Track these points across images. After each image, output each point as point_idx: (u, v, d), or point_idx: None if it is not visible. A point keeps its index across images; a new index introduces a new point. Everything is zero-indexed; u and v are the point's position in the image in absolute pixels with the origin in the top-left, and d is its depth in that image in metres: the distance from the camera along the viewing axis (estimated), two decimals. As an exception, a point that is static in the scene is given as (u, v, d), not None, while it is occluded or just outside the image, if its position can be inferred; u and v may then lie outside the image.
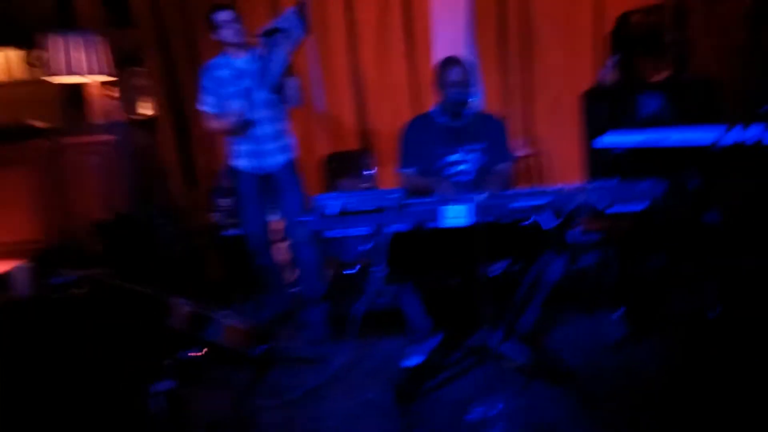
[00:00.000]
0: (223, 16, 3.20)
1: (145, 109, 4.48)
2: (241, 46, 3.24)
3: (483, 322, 2.39)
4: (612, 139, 2.78)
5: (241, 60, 3.26)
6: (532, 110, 4.45)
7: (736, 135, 2.29)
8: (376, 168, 4.15)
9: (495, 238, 2.17)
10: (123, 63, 4.35)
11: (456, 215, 2.18)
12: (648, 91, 3.95)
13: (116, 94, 4.35)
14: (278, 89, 3.23)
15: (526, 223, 2.18)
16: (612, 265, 3.36)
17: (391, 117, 4.42)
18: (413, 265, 2.49)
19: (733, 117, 3.71)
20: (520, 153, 4.26)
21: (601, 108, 4.25)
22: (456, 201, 2.23)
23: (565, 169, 4.47)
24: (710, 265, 2.76)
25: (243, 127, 3.19)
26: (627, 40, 4.14)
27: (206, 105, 3.32)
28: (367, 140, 4.51)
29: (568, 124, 4.41)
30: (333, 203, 2.20)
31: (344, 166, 4.30)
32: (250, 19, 4.05)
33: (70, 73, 3.92)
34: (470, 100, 2.70)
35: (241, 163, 3.32)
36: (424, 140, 2.82)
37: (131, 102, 4.46)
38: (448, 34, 4.42)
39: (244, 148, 3.30)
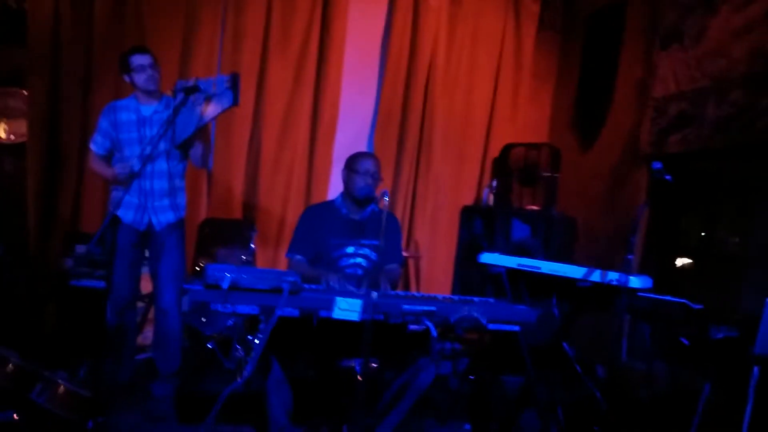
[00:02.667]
0: (140, 59, 3.03)
1: (17, 134, 4.11)
2: (152, 93, 3.09)
3: (347, 419, 2.35)
4: (490, 258, 2.97)
5: (148, 107, 3.09)
6: (415, 215, 4.65)
7: (598, 276, 2.55)
8: (254, 244, 4.05)
9: (381, 337, 2.19)
10: (5, 82, 4.01)
11: (348, 308, 2.19)
12: (520, 218, 4.33)
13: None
14: (185, 146, 3.08)
15: (415, 327, 2.24)
16: (471, 377, 3.49)
17: (281, 195, 4.42)
18: (293, 353, 2.43)
19: (587, 254, 4.20)
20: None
21: (479, 225, 4.58)
22: (350, 294, 2.24)
23: (435, 275, 4.67)
24: (559, 392, 2.95)
25: (128, 179, 2.97)
26: (507, 168, 4.55)
27: (96, 145, 3.12)
28: (250, 213, 4.44)
29: (446, 234, 4.68)
30: (225, 276, 2.11)
31: (220, 234, 4.17)
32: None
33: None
34: (374, 196, 2.77)
35: (124, 214, 3.07)
36: (322, 228, 2.84)
37: (7, 123, 4.08)
38: (353, 127, 4.60)
39: (130, 199, 3.06)
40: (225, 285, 2.09)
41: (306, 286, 2.31)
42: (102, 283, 3.35)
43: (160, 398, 3.13)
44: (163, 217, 3.11)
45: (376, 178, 2.83)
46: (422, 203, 4.65)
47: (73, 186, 4.06)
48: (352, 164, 2.89)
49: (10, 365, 2.59)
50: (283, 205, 4.40)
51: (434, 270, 4.68)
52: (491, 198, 4.59)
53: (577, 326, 3.28)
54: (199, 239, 4.20)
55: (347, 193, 2.89)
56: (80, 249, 3.84)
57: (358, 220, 2.88)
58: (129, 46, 3.40)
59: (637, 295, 2.59)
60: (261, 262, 4.30)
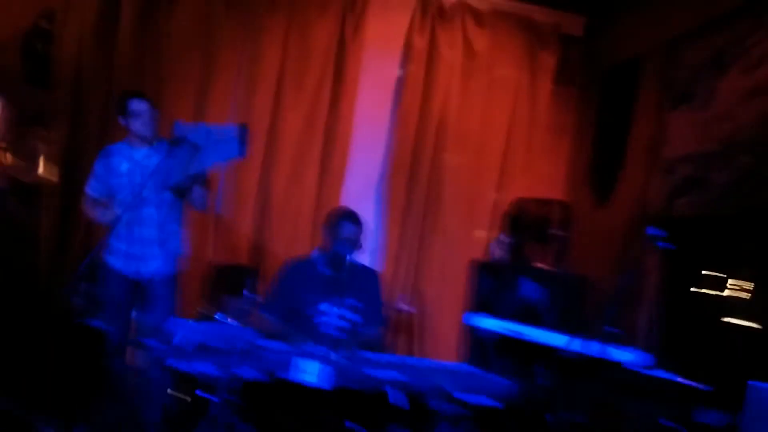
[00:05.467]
0: (136, 105, 3.05)
1: (40, 172, 4.26)
2: (146, 139, 3.10)
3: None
4: (481, 321, 2.88)
5: (141, 152, 3.10)
6: (423, 268, 4.58)
7: (583, 345, 2.43)
8: (254, 291, 4.04)
9: (344, 403, 2.12)
10: (29, 122, 4.19)
11: (310, 371, 2.14)
12: (529, 277, 4.19)
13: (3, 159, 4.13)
14: (180, 192, 3.05)
15: (378, 392, 2.16)
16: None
17: (288, 242, 4.41)
18: (259, 415, 2.38)
19: (596, 320, 4.03)
20: (401, 308, 4.32)
21: (487, 281, 4.45)
22: (313, 356, 2.19)
23: (445, 332, 4.53)
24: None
25: (110, 224, 2.96)
26: (518, 223, 4.44)
27: (91, 188, 3.17)
28: (258, 258, 4.44)
29: (453, 289, 4.56)
30: (185, 333, 2.10)
31: (225, 280, 4.18)
32: (173, 111, 4.07)
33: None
34: (353, 254, 2.73)
35: (115, 261, 3.09)
36: (298, 284, 2.81)
37: (27, 163, 4.23)
38: (362, 175, 4.60)
39: (120, 246, 3.07)
40: (179, 342, 2.07)
41: (268, 344, 2.27)
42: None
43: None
44: (151, 265, 3.10)
45: (355, 242, 2.78)
46: (430, 255, 4.57)
47: (86, 225, 4.15)
48: (333, 225, 2.85)
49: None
50: (288, 251, 4.38)
51: (441, 327, 4.55)
52: (500, 253, 4.48)
53: (571, 392, 3.12)
54: (203, 285, 4.22)
55: (324, 248, 2.86)
56: (84, 287, 3.91)
57: (335, 276, 2.84)
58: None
59: (623, 368, 2.46)
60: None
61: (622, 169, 4.10)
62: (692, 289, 3.29)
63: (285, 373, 2.15)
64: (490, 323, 2.82)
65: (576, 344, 2.45)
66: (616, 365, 2.38)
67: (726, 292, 3.40)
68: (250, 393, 2.18)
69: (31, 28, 4.20)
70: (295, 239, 4.41)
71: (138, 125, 3.06)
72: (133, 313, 3.32)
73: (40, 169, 4.19)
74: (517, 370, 2.62)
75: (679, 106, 3.51)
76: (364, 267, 2.90)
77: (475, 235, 4.64)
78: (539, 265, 4.30)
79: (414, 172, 4.57)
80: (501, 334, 2.77)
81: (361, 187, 4.56)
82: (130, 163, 3.11)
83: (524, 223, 4.43)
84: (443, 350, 4.43)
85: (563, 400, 2.67)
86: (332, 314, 2.80)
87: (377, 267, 4.46)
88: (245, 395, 2.17)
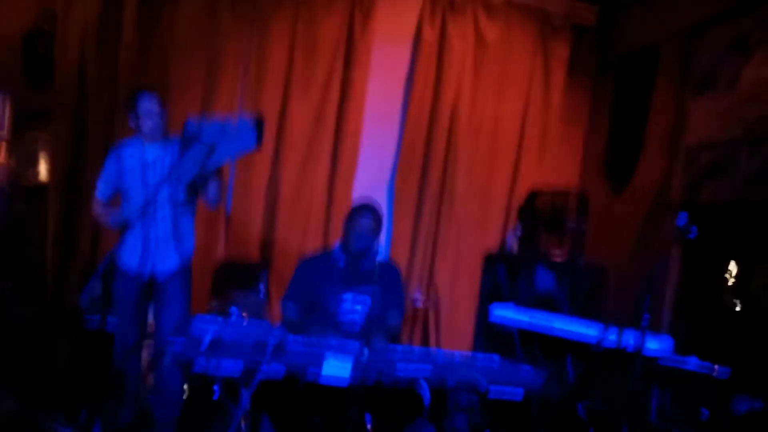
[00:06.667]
0: (147, 105, 2.94)
1: (40, 174, 4.17)
2: (157, 137, 3.02)
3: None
4: (502, 313, 2.81)
5: (153, 152, 3.01)
6: (436, 260, 4.51)
7: (614, 337, 2.37)
8: (266, 286, 3.98)
9: (372, 400, 2.06)
10: (29, 123, 4.10)
11: (336, 368, 2.07)
12: (545, 268, 4.13)
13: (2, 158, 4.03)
14: (193, 189, 2.97)
15: (407, 386, 2.10)
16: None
17: (299, 237, 4.35)
18: (281, 415, 2.31)
19: (615, 310, 3.98)
20: (416, 301, 4.26)
21: (501, 273, 4.40)
22: (339, 352, 2.12)
23: (460, 324, 4.49)
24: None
25: (122, 227, 2.90)
26: (533, 214, 4.38)
27: (99, 192, 3.08)
28: (267, 254, 4.38)
29: (469, 280, 4.51)
30: (208, 330, 2.03)
31: (235, 276, 4.12)
32: (180, 108, 3.99)
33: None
34: (372, 247, 2.68)
35: (129, 261, 3.00)
36: (319, 278, 2.75)
37: (27, 165, 4.15)
38: (373, 169, 4.53)
39: (136, 246, 2.98)
40: (207, 340, 2.00)
41: (295, 338, 2.20)
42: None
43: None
44: (167, 263, 3.03)
45: (373, 235, 2.74)
46: (444, 247, 4.51)
47: (93, 224, 4.08)
48: (350, 218, 2.81)
49: (7, 411, 2.56)
50: (300, 247, 4.32)
51: (455, 319, 4.50)
52: (515, 244, 4.42)
53: (602, 382, 3.05)
54: (214, 281, 4.16)
55: (343, 242, 2.80)
56: (96, 286, 3.84)
57: (355, 270, 2.78)
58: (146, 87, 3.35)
59: (653, 358, 2.40)
60: (276, 304, 4.22)
61: (640, 157, 4.03)
62: (723, 276, 3.21)
63: (313, 369, 2.08)
64: (514, 315, 2.75)
65: (607, 334, 2.38)
66: (649, 358, 2.31)
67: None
68: (276, 390, 2.11)
69: (32, 29, 4.11)
70: (306, 234, 4.35)
71: (148, 127, 2.97)
72: (150, 315, 3.24)
73: (42, 172, 4.10)
74: (545, 361, 2.54)
75: (702, 92, 3.44)
76: (384, 261, 2.83)
77: (489, 227, 4.57)
78: (555, 255, 4.24)
79: (426, 164, 4.50)
80: (526, 327, 2.70)
81: (372, 181, 4.48)
82: (143, 163, 3.02)
83: (539, 214, 4.37)
84: (458, 342, 4.39)
85: (594, 391, 2.61)
86: (356, 306, 2.73)
87: (390, 259, 4.42)
88: (271, 392, 2.10)
